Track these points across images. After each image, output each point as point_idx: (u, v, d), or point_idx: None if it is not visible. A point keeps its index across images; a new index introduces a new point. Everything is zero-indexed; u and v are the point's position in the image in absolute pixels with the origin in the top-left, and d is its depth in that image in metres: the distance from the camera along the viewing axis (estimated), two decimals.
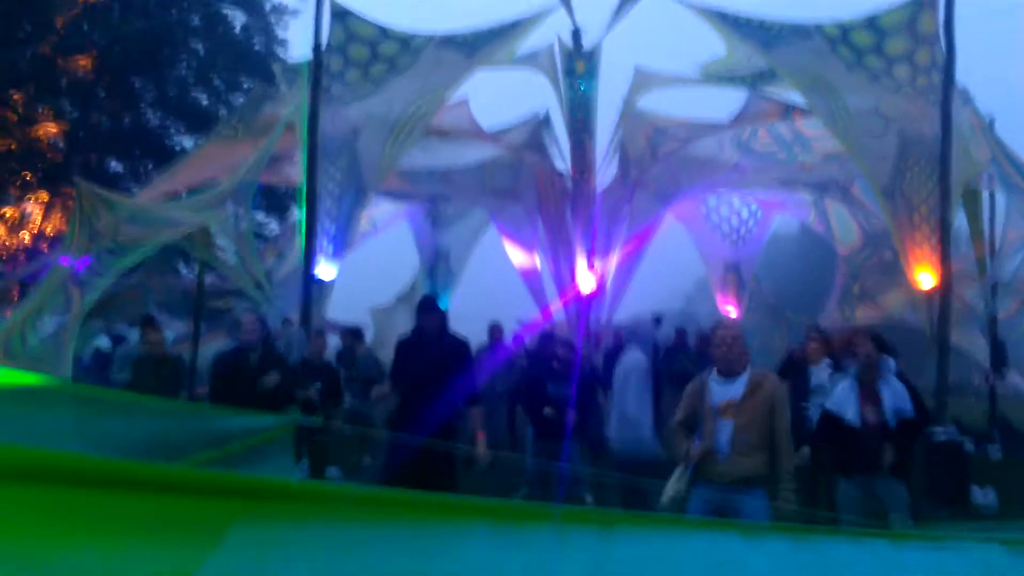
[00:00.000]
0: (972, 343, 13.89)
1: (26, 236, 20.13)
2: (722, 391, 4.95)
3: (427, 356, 5.98)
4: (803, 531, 1.77)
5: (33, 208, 20.50)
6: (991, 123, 12.16)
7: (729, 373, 4.98)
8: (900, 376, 6.09)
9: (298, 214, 12.14)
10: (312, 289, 11.13)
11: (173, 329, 14.07)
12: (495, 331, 11.36)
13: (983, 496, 9.02)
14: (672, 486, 4.95)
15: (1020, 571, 1.57)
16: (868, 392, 5.88)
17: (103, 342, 14.17)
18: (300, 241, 11.30)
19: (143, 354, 8.46)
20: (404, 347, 6.16)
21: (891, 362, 6.07)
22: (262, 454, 2.89)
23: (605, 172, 14.65)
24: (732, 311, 17.64)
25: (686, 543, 1.60)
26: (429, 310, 6.13)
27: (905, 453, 5.89)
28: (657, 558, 1.56)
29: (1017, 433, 12.27)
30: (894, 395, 5.86)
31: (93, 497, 1.46)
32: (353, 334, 11.94)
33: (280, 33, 23.73)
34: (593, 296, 14.04)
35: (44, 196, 20.27)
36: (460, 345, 6.24)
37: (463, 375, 5.99)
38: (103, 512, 1.46)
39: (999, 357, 13.58)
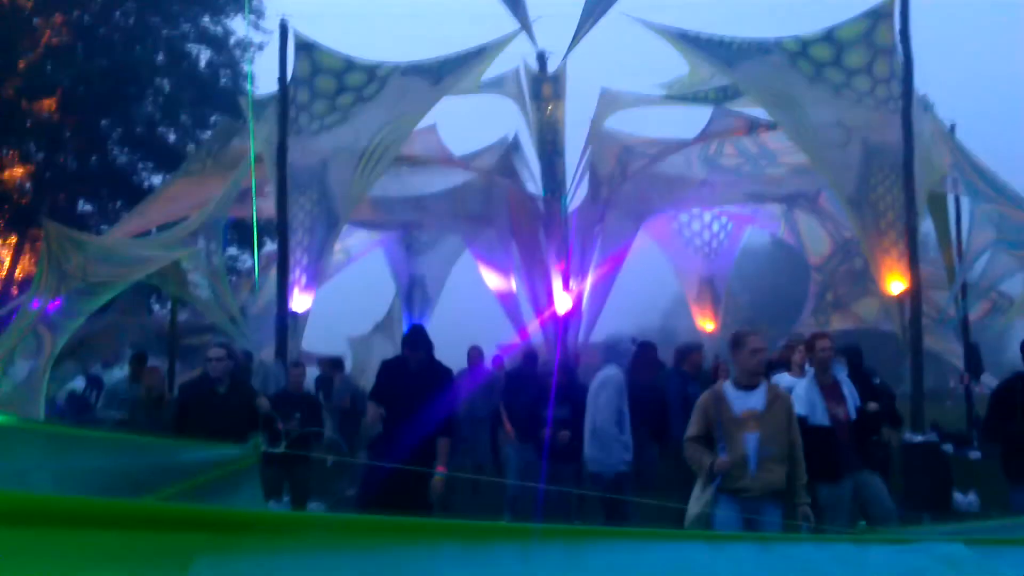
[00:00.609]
0: (946, 347, 14.05)
1: None
2: (742, 402, 4.81)
3: (409, 382, 6.01)
4: (769, 537, 1.77)
5: (1, 251, 20.27)
6: (952, 129, 12.39)
7: (748, 384, 4.86)
8: (868, 371, 6.23)
9: (270, 247, 12.11)
10: (288, 321, 11.07)
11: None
12: (474, 354, 11.34)
13: (964, 499, 9.08)
14: (696, 502, 4.78)
15: (983, 567, 1.58)
16: (830, 391, 5.94)
17: (78, 384, 13.99)
18: (274, 274, 11.27)
19: (141, 394, 8.37)
20: (387, 370, 6.18)
21: (841, 362, 6.21)
22: (230, 485, 2.86)
23: (576, 193, 14.75)
24: (710, 325, 17.75)
25: (654, 553, 1.61)
26: (416, 343, 6.13)
27: (873, 446, 6.02)
28: (627, 568, 1.56)
29: None
30: (847, 389, 5.97)
31: (57, 535, 1.44)
32: (332, 363, 11.88)
33: (245, 68, 23.73)
34: (570, 316, 14.06)
35: (12, 239, 20.05)
36: (443, 373, 6.28)
37: (441, 403, 5.99)
38: (66, 549, 1.45)
39: (973, 359, 13.75)
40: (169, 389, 11.10)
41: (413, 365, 6.09)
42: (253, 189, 10.58)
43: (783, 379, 7.39)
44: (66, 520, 1.45)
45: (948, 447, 11.03)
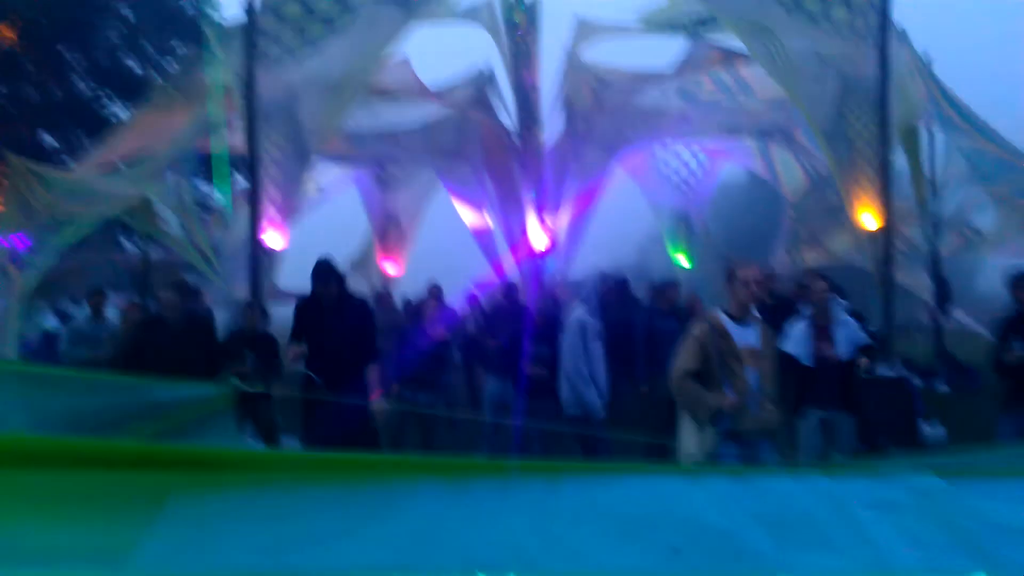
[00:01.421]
0: (916, 281, 14.23)
1: None
2: (739, 337, 4.58)
3: (325, 317, 6.03)
4: (742, 470, 1.79)
5: None
6: (928, 63, 12.31)
7: (742, 318, 4.63)
8: (854, 313, 6.31)
9: (241, 184, 11.90)
10: (261, 258, 10.95)
11: (117, 305, 13.78)
12: (434, 293, 11.28)
13: (931, 429, 9.31)
14: (693, 442, 4.50)
15: (952, 496, 1.61)
16: (821, 332, 6.07)
17: (49, 322, 13.84)
18: (246, 209, 11.08)
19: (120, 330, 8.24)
20: (302, 309, 6.18)
21: (841, 302, 6.29)
22: (204, 425, 2.85)
23: (551, 126, 14.59)
24: (684, 260, 17.83)
25: (630, 486, 1.62)
26: (325, 277, 6.11)
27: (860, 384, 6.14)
28: (603, 501, 1.57)
29: (963, 367, 12.64)
30: (848, 330, 6.07)
31: (29, 475, 1.43)
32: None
33: None
34: (545, 251, 14.05)
35: None
36: (358, 304, 6.36)
37: (363, 336, 6.03)
38: (40, 489, 1.44)
39: (943, 294, 13.93)
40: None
41: (326, 300, 6.10)
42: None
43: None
44: (40, 460, 1.44)
45: (916, 380, 11.26)
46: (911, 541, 1.46)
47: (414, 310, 10.59)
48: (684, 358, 4.61)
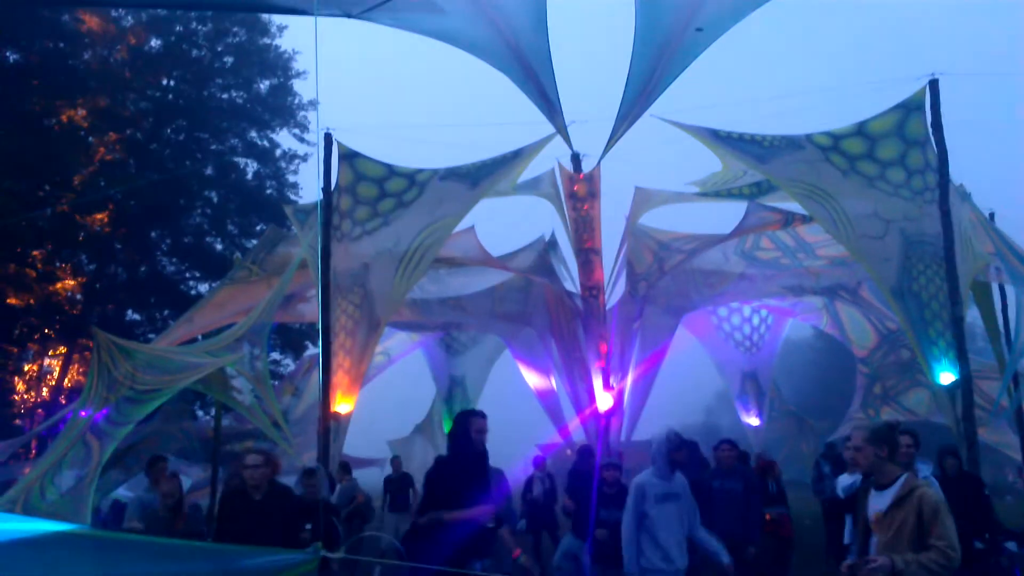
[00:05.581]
0: (1001, 439, 13.59)
1: (45, 390, 20.27)
2: (877, 503, 4.39)
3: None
4: None
5: (51, 362, 20.73)
6: (991, 216, 12.33)
7: (887, 483, 4.37)
8: (967, 475, 6.05)
9: (312, 350, 12.24)
10: (330, 424, 11.08)
11: (190, 475, 13.97)
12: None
13: None
14: None
15: None
16: None
17: (122, 493, 14.01)
18: (316, 377, 11.35)
19: (158, 503, 8.25)
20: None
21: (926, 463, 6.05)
22: None
23: (614, 290, 14.81)
24: (754, 420, 17.43)
25: None
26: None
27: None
28: None
29: None
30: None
31: None
32: (342, 467, 11.87)
33: (291, 177, 24.61)
34: (611, 413, 13.90)
35: (62, 349, 20.53)
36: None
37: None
38: None
39: None
40: (212, 496, 11.07)
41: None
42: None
43: (843, 479, 7.22)
44: None
45: (1012, 545, 10.53)
46: None
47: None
48: None
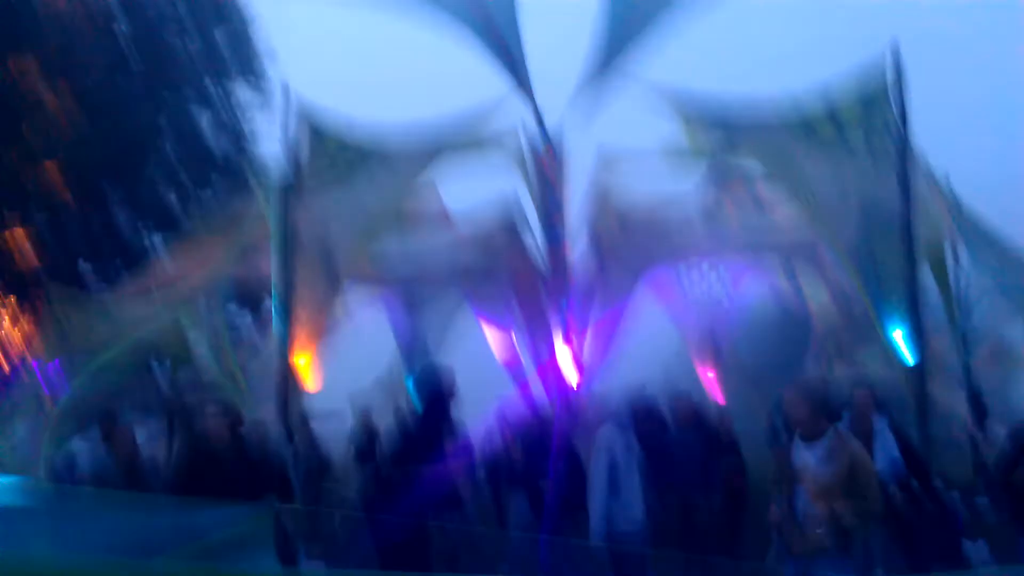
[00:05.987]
0: (949, 394, 13.95)
1: None
2: (803, 457, 4.59)
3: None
4: None
5: (1, 313, 20.27)
6: (948, 181, 12.49)
7: (812, 437, 4.60)
8: (895, 430, 6.20)
9: (271, 305, 12.11)
10: (288, 378, 11.02)
11: (146, 427, 13.81)
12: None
13: (974, 549, 8.94)
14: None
15: None
16: (863, 440, 5.94)
17: (76, 445, 13.83)
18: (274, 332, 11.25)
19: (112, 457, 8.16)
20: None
21: (883, 419, 6.19)
22: (242, 546, 2.82)
23: (576, 247, 14.80)
24: (711, 375, 17.68)
25: None
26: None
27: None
28: None
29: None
30: (885, 443, 5.95)
31: None
32: (301, 419, 11.90)
33: (246, 129, 24.03)
34: (573, 371, 13.99)
35: (12, 299, 20.06)
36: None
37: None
38: None
39: (979, 409, 13.60)
40: (168, 448, 10.99)
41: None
42: None
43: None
44: None
45: (955, 494, 10.90)
46: None
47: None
48: None
